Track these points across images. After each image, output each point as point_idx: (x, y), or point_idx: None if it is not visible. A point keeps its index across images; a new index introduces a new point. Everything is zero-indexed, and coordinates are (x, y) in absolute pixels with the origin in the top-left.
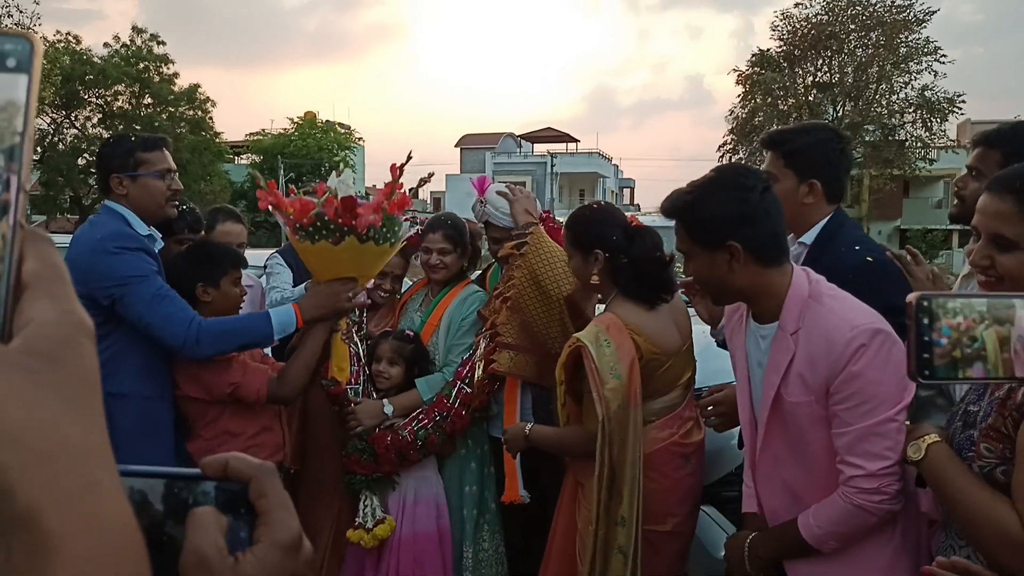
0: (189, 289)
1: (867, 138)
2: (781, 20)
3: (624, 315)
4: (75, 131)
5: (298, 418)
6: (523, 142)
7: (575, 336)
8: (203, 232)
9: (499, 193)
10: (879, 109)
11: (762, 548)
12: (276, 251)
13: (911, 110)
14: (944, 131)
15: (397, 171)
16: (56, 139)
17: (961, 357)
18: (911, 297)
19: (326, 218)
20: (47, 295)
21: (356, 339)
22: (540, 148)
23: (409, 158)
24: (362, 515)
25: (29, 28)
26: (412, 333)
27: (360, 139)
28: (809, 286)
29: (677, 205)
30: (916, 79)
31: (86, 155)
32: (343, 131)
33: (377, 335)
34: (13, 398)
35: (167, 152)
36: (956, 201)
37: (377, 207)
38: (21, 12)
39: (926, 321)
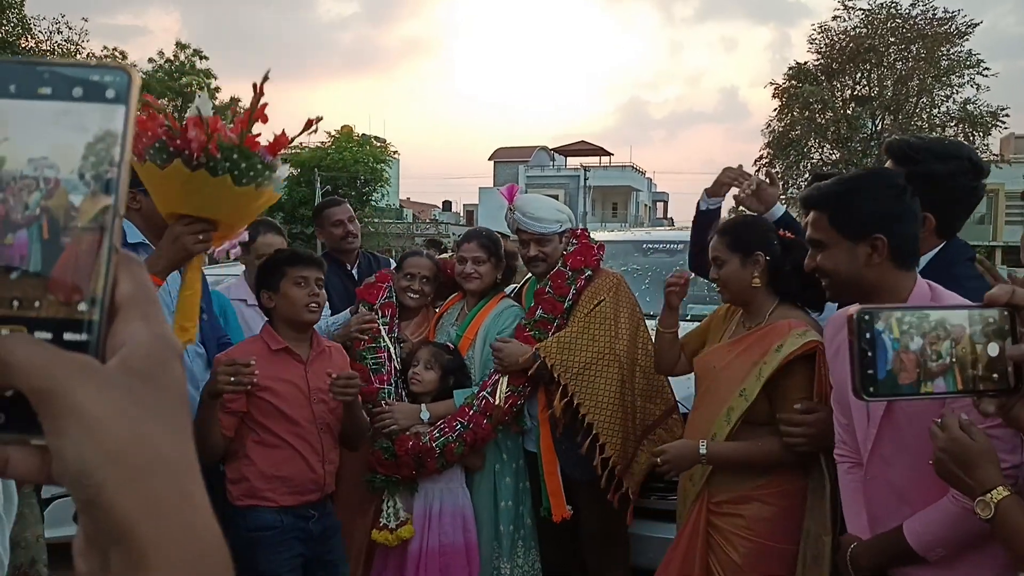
0: (259, 299)
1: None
2: (819, 33)
3: (808, 321)
4: None
5: None
6: (556, 155)
7: (806, 336)
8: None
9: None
10: (919, 123)
11: (865, 557)
12: None
13: (953, 124)
14: (987, 145)
15: (259, 90)
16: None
17: (923, 372)
18: (851, 310)
19: (162, 139)
20: (141, 316)
21: (388, 340)
22: (573, 161)
23: (266, 78)
24: (385, 516)
25: (77, 44)
26: (452, 346)
27: (395, 152)
28: (931, 292)
29: (826, 193)
30: (958, 92)
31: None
32: (379, 144)
33: (416, 342)
34: (114, 416)
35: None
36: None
37: (214, 127)
38: (71, 29)
39: (868, 336)
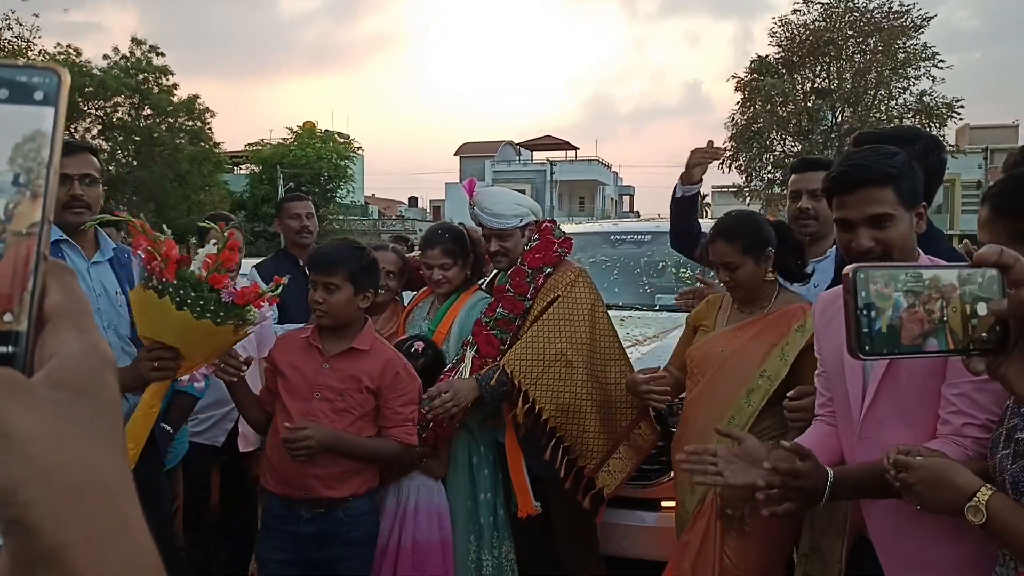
0: None
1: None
2: (779, 27)
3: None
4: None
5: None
6: (522, 150)
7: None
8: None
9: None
10: (878, 115)
11: (842, 486)
12: (255, 264)
13: (910, 115)
14: (943, 136)
15: (229, 236)
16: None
17: (919, 331)
18: (847, 269)
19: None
20: (72, 327)
21: None
22: (539, 156)
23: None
24: None
25: (28, 41)
26: (423, 343)
27: (359, 148)
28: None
29: (898, 165)
30: (915, 84)
31: None
32: (342, 140)
33: (395, 342)
34: (43, 432)
35: (78, 158)
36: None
37: (169, 257)
38: (21, 25)
39: (863, 294)
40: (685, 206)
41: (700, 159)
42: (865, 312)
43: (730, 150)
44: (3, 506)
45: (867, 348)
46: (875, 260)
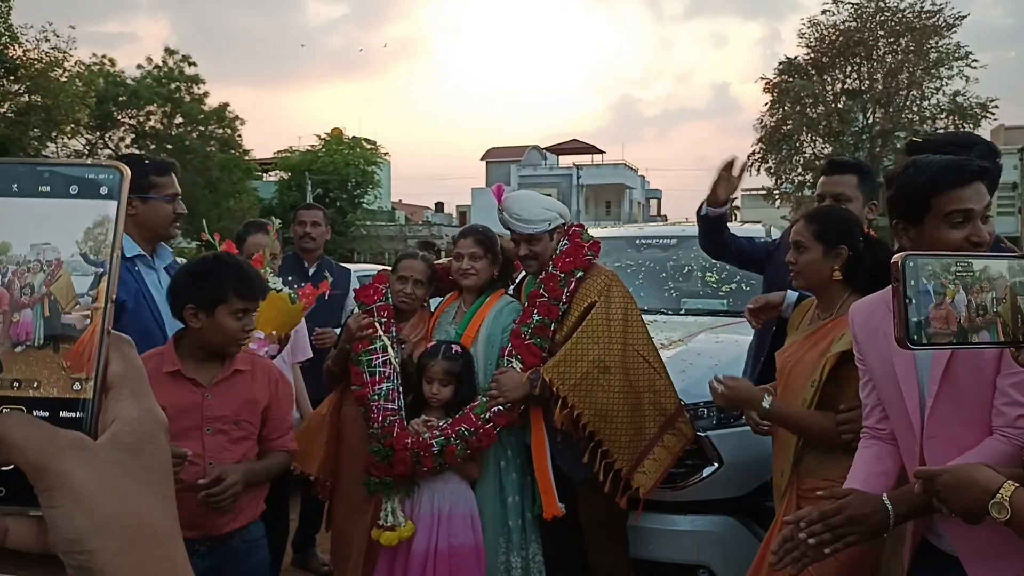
0: (179, 308)
1: (898, 145)
2: (808, 27)
3: None
4: (109, 151)
5: (329, 428)
6: (548, 154)
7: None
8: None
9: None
10: (910, 116)
11: (904, 504)
12: None
13: (943, 116)
14: None
15: None
16: (91, 160)
17: (969, 323)
18: (896, 258)
19: None
20: (130, 395)
21: (385, 339)
22: (565, 160)
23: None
24: (383, 516)
25: (65, 52)
26: (459, 347)
27: (386, 154)
28: None
29: (984, 164)
30: (947, 85)
31: None
32: (369, 147)
33: (423, 351)
34: (105, 488)
35: (175, 177)
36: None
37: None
38: (58, 36)
39: (912, 282)
40: (712, 224)
41: (721, 178)
42: (914, 301)
43: (759, 152)
44: (73, 555)
45: (916, 338)
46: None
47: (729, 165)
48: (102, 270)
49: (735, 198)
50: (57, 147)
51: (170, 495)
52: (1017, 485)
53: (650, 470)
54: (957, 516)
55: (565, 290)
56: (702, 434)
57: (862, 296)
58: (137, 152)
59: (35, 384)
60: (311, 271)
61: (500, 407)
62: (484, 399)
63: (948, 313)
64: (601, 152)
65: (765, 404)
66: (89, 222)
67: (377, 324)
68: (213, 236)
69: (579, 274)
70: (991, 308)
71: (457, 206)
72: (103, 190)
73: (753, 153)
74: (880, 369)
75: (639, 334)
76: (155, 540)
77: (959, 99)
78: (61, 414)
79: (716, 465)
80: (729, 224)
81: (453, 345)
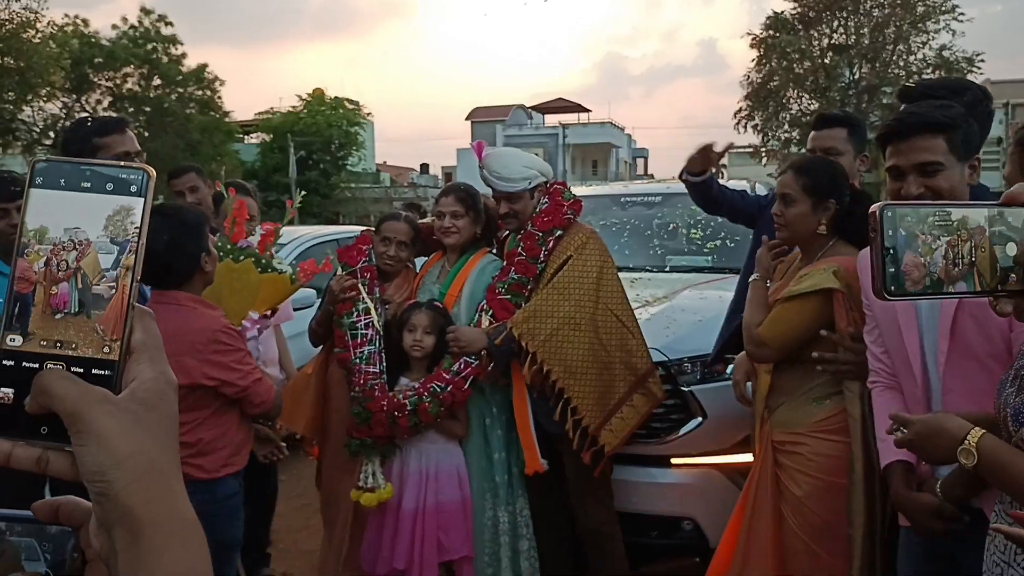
0: (191, 265)
1: (885, 100)
2: None
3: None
4: (86, 114)
5: (316, 390)
6: (534, 113)
7: (824, 276)
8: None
9: None
10: (896, 71)
11: (959, 486)
12: None
13: (929, 71)
14: None
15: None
16: (67, 123)
17: (945, 273)
18: (875, 207)
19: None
20: (148, 359)
21: (369, 301)
22: (551, 119)
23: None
24: (363, 478)
25: (37, 12)
26: (441, 305)
27: (369, 114)
28: None
29: (950, 116)
30: (934, 39)
31: None
32: (352, 107)
33: (406, 306)
34: (123, 433)
35: (129, 133)
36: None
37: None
38: None
39: (890, 232)
40: (694, 188)
41: (697, 156)
42: (892, 252)
43: (746, 109)
44: (95, 482)
45: (892, 289)
46: None
47: (707, 147)
48: (123, 248)
49: (724, 165)
50: (33, 111)
51: (174, 441)
52: (984, 432)
53: (617, 428)
54: (927, 462)
55: (543, 249)
56: (686, 389)
57: (848, 245)
58: (85, 116)
59: (73, 345)
60: None
61: (467, 359)
62: (450, 352)
63: (923, 263)
64: (587, 111)
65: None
66: (112, 211)
67: (360, 286)
68: (228, 191)
69: (558, 233)
70: (968, 258)
71: (443, 167)
72: (132, 188)
73: (740, 110)
74: (884, 317)
75: (613, 292)
76: (159, 475)
77: (945, 53)
78: (93, 371)
79: (700, 419)
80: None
81: (435, 302)
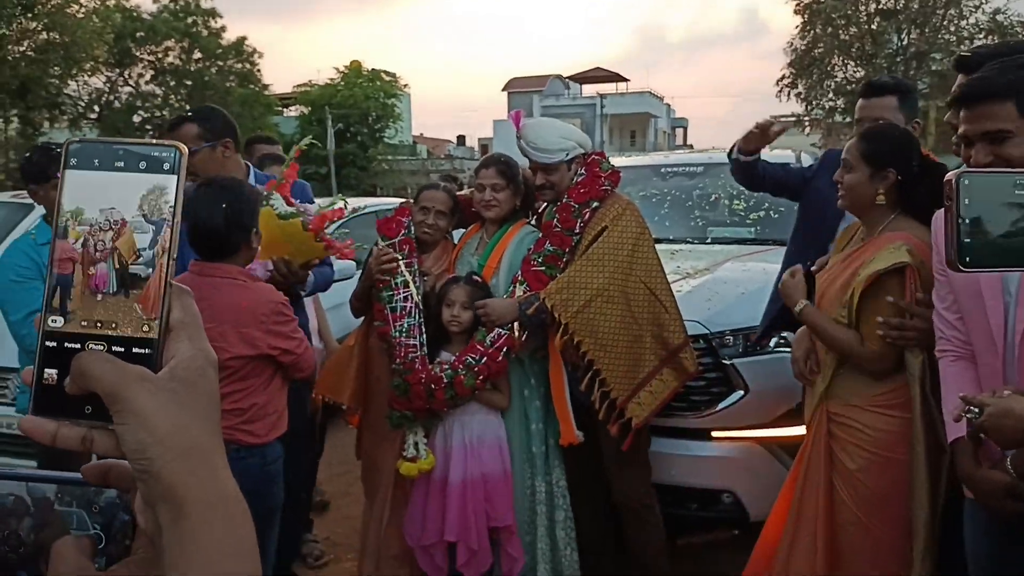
0: (245, 239)
1: (934, 67)
2: None
3: (920, 235)
4: (129, 88)
5: (358, 361)
6: (571, 84)
7: (897, 254)
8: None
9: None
10: (947, 36)
11: None
12: None
13: (981, 36)
14: None
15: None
16: (112, 97)
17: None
18: (951, 175)
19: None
20: (187, 337)
21: (407, 274)
22: (589, 89)
23: None
24: (406, 448)
25: None
26: (480, 279)
27: (406, 86)
28: None
29: (1016, 79)
30: (987, 2)
31: (141, 112)
32: (389, 79)
33: (444, 280)
34: (162, 411)
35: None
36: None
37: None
38: None
39: (967, 202)
40: (742, 166)
41: (752, 134)
42: (967, 221)
43: (789, 77)
44: (137, 460)
45: (968, 260)
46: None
47: (765, 125)
48: (159, 227)
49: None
50: (78, 85)
51: (215, 417)
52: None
53: (645, 402)
54: (998, 445)
55: (579, 220)
56: (727, 362)
57: (910, 220)
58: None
59: (113, 325)
60: None
61: (502, 331)
62: (483, 323)
63: (996, 234)
64: (625, 80)
65: (798, 308)
66: (146, 190)
67: (399, 259)
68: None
69: (594, 204)
70: None
71: (479, 139)
72: (165, 166)
73: (782, 78)
74: (964, 283)
75: (648, 264)
76: (200, 453)
77: (999, 17)
78: (134, 350)
79: (742, 392)
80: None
81: (474, 275)
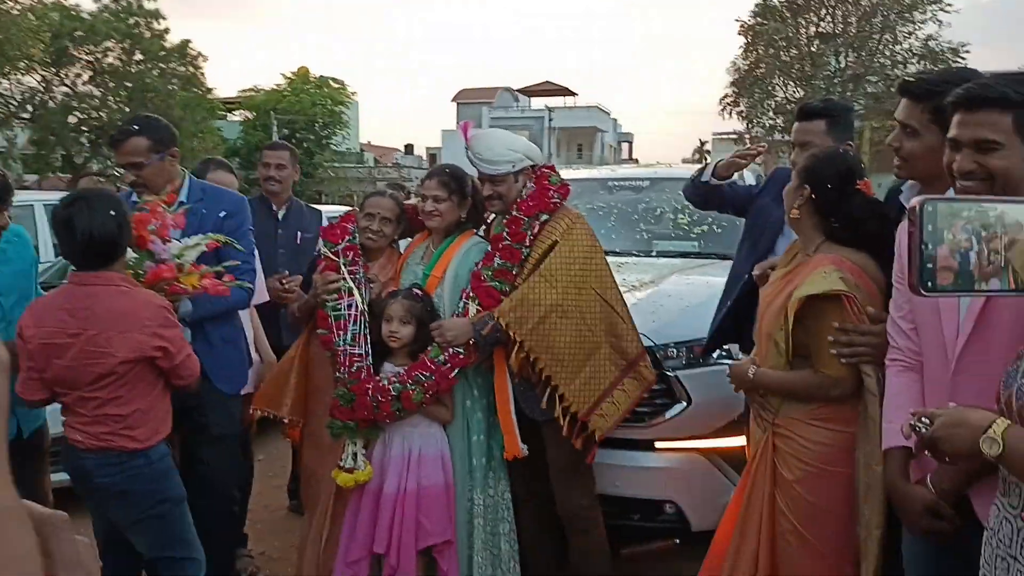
0: (126, 247)
1: (869, 89)
2: None
3: (852, 257)
4: (65, 88)
5: (299, 372)
6: (520, 96)
7: (828, 280)
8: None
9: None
10: (882, 60)
11: (947, 479)
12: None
13: (914, 60)
14: None
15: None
16: (47, 97)
17: (980, 270)
18: (915, 201)
19: None
20: None
21: (351, 282)
22: (538, 102)
23: None
24: (344, 458)
25: None
26: (421, 292)
27: (354, 94)
28: None
29: (1016, 93)
30: (920, 29)
31: (77, 113)
32: (336, 86)
33: (385, 294)
34: None
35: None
36: (898, 160)
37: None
38: None
39: (930, 228)
40: (704, 188)
41: (734, 161)
42: (929, 247)
43: (731, 96)
44: None
45: (929, 284)
46: (976, 185)
47: (743, 154)
48: None
49: (706, 141)
50: (11, 84)
51: (3, 433)
52: (1009, 422)
53: (608, 413)
54: (948, 458)
55: (529, 234)
56: (670, 373)
57: (836, 243)
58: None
59: None
60: (280, 214)
61: (457, 351)
62: (437, 343)
63: (958, 259)
64: (574, 94)
65: (750, 375)
66: None
67: (342, 266)
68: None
69: (544, 217)
70: (1003, 255)
71: (427, 148)
72: None
73: (725, 96)
74: (908, 293)
75: (601, 277)
76: None
77: (931, 43)
78: None
79: (684, 403)
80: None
81: (415, 288)
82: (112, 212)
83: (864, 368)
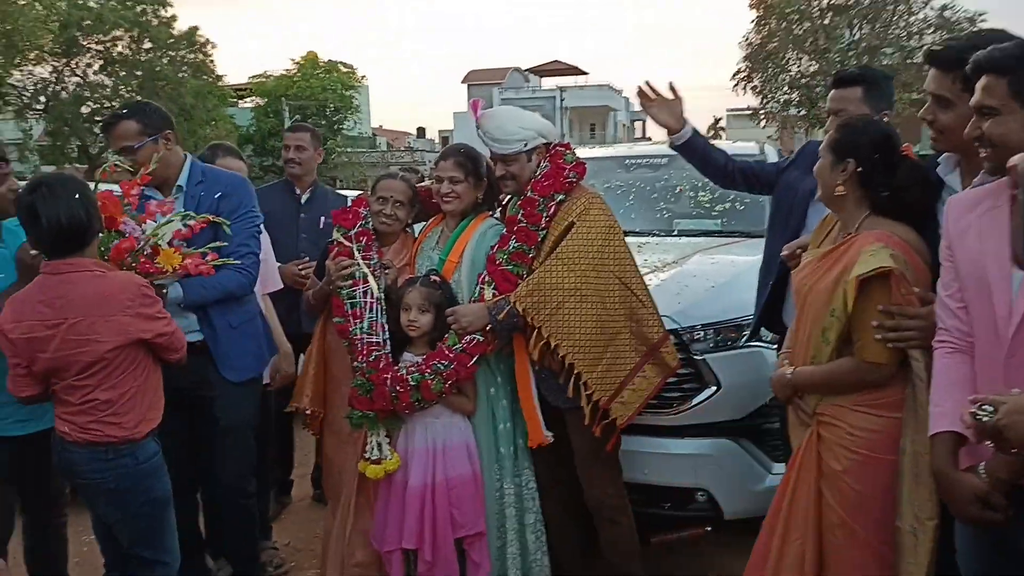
0: (97, 230)
1: (885, 61)
2: None
3: (900, 233)
4: (77, 79)
5: (317, 363)
6: (531, 76)
7: (877, 257)
8: None
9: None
10: (897, 31)
11: (1006, 469)
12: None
13: (930, 31)
14: None
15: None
16: (59, 88)
17: None
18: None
19: None
20: None
21: (365, 268)
22: (548, 82)
23: None
24: (368, 449)
25: None
26: (439, 279)
27: (363, 77)
28: None
29: (1008, 55)
30: None
31: (89, 103)
32: (346, 70)
33: (401, 280)
34: None
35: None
36: (933, 133)
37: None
38: None
39: None
40: (688, 153)
41: (654, 108)
42: None
43: (745, 71)
44: None
45: None
46: (985, 152)
47: (650, 95)
48: None
49: (720, 118)
50: (22, 75)
51: None
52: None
53: (629, 400)
54: (1016, 451)
55: (544, 215)
56: (699, 357)
57: (885, 218)
58: None
59: None
60: (304, 198)
61: (475, 337)
62: (454, 330)
63: None
64: (584, 73)
65: (788, 376)
66: None
67: (356, 251)
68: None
69: (559, 197)
70: None
71: (440, 131)
72: None
73: (738, 72)
74: (970, 271)
75: (620, 259)
76: None
77: (947, 13)
78: None
79: (714, 388)
80: (718, 143)
81: (432, 275)
82: (77, 195)
83: (912, 352)
